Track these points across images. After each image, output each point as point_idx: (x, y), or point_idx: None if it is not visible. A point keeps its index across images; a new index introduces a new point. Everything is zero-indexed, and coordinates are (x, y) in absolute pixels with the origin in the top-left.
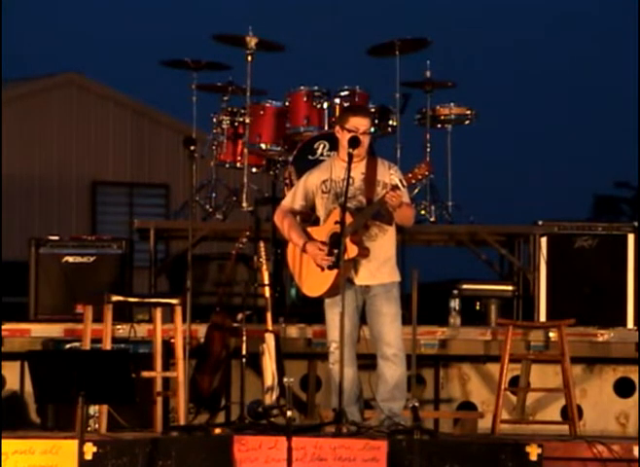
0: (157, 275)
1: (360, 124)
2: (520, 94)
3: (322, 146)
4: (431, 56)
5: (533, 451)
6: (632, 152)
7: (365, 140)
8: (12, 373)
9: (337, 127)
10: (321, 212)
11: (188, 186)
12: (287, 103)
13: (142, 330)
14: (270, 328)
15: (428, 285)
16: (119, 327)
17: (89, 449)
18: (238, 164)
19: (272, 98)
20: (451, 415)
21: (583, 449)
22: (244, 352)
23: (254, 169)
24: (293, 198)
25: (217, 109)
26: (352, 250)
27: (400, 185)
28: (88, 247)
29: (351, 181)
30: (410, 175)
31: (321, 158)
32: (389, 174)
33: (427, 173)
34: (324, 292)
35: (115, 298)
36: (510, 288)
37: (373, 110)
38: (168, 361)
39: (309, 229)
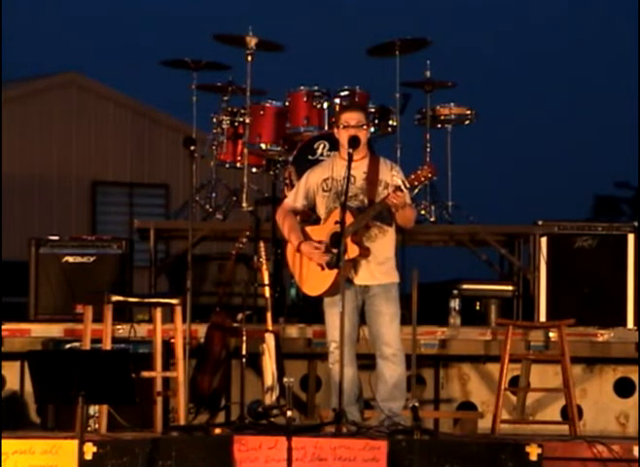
0: (157, 275)
1: (350, 117)
2: (520, 94)
3: (322, 146)
4: (431, 56)
5: (533, 451)
6: (632, 152)
7: (360, 134)
8: (12, 373)
9: (335, 128)
10: (321, 211)
11: (188, 186)
12: (287, 103)
13: (142, 330)
14: (270, 328)
15: (428, 285)
16: (119, 327)
17: (89, 449)
18: (238, 164)
19: (272, 98)
20: (451, 415)
21: (583, 449)
22: (244, 352)
23: (254, 169)
24: (294, 197)
25: (217, 109)
26: (353, 250)
27: (402, 186)
28: (88, 247)
29: (353, 180)
30: (413, 177)
31: (321, 158)
32: (391, 174)
33: (430, 175)
34: (324, 291)
35: (115, 298)
36: (510, 288)
37: (372, 110)
38: (168, 361)
39: (309, 228)
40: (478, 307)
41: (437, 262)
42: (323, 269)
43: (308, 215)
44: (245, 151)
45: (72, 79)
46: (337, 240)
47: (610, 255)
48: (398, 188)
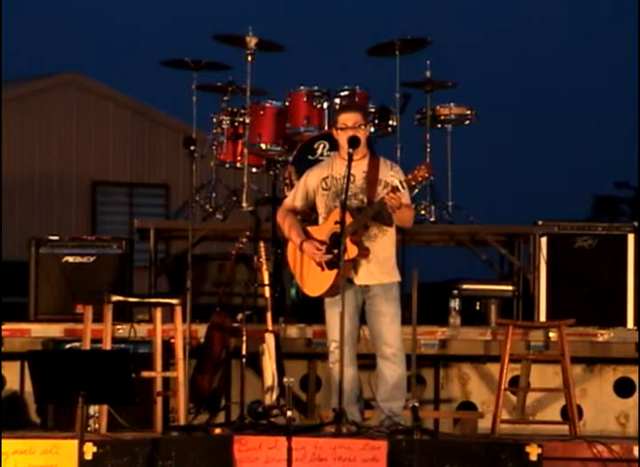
0: (157, 275)
1: (347, 119)
2: (520, 94)
3: (322, 146)
4: (431, 56)
5: (533, 451)
6: (632, 152)
7: (359, 134)
8: (12, 373)
9: (333, 129)
10: (321, 209)
11: (188, 186)
12: (287, 103)
13: (142, 330)
14: (270, 328)
15: (428, 285)
16: (119, 327)
17: (89, 449)
18: (238, 164)
19: (272, 98)
20: (451, 415)
21: (583, 449)
22: (244, 352)
23: (254, 169)
24: (294, 197)
25: (217, 109)
26: (352, 250)
27: (400, 187)
28: (88, 247)
29: (352, 179)
30: (410, 177)
31: (321, 158)
32: (390, 174)
33: (427, 175)
34: (324, 292)
35: (115, 298)
36: (510, 288)
37: (372, 110)
38: (168, 361)
39: (309, 228)
40: (478, 307)
41: (437, 262)
42: (323, 269)
43: (308, 215)
44: (245, 151)
45: (72, 79)
46: (336, 240)
47: (610, 255)
48: (395, 188)
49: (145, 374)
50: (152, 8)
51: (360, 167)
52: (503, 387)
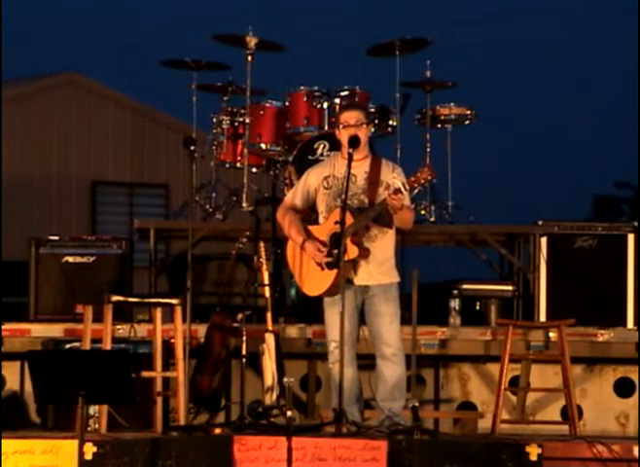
0: (157, 275)
1: (348, 117)
2: (520, 94)
3: (322, 146)
4: (431, 56)
5: (533, 451)
6: (632, 152)
7: (360, 133)
8: (12, 373)
9: (335, 129)
10: (322, 208)
11: (188, 186)
12: (287, 103)
13: (142, 330)
14: (270, 328)
15: (428, 285)
16: (119, 327)
17: (89, 449)
18: (238, 164)
19: (272, 98)
20: (451, 415)
21: (583, 449)
22: (244, 352)
23: (254, 169)
24: (294, 196)
25: (217, 109)
26: (353, 251)
27: (402, 188)
28: (88, 247)
29: (354, 179)
30: (413, 179)
31: (321, 158)
32: (392, 176)
33: (430, 178)
34: (324, 291)
35: (115, 298)
36: (510, 288)
37: (372, 110)
38: (168, 361)
39: (310, 227)
40: (478, 307)
41: (437, 262)
42: (323, 269)
43: (308, 214)
44: (245, 151)
45: (72, 79)
46: (336, 241)
47: (610, 255)
48: (398, 190)
49: (145, 374)
50: (152, 8)
51: (362, 168)
52: (503, 387)
